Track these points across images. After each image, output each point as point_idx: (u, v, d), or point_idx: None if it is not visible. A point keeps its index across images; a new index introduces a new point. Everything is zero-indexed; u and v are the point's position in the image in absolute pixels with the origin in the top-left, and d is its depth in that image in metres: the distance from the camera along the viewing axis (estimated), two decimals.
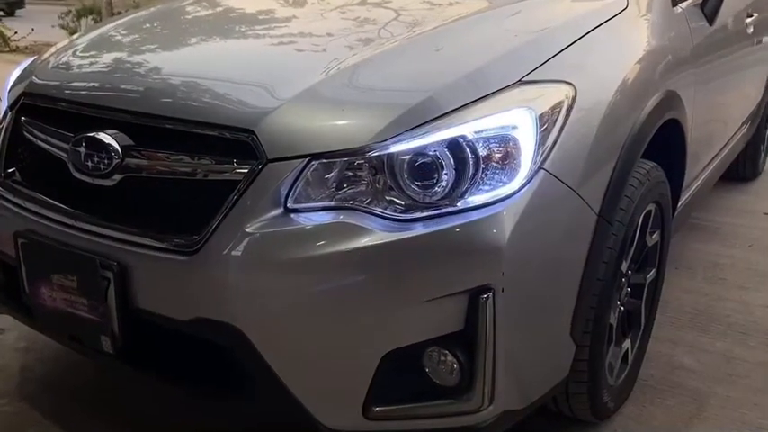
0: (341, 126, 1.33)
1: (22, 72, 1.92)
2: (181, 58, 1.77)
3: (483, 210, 1.28)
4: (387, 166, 1.30)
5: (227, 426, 1.75)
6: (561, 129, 1.38)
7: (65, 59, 1.83)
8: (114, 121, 1.49)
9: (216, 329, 1.33)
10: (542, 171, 1.34)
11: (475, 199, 1.29)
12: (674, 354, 2.17)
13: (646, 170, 1.70)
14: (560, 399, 1.67)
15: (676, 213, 2.13)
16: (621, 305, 1.79)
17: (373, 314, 1.28)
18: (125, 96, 1.54)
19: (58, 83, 1.71)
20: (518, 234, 1.29)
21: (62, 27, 9.21)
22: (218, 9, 2.20)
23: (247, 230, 1.28)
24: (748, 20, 2.77)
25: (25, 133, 1.71)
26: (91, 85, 1.65)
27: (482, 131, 1.30)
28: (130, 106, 1.49)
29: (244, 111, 1.38)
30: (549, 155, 1.35)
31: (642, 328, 1.95)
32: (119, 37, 1.96)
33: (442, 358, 1.34)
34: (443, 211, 1.28)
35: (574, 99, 1.43)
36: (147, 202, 1.44)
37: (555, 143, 1.36)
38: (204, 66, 1.64)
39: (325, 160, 1.30)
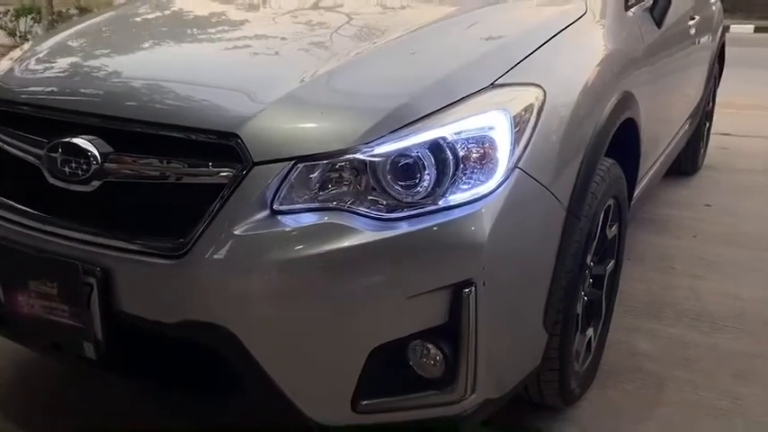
0: (325, 129, 1.37)
1: None
2: (154, 61, 1.76)
3: (463, 208, 1.34)
4: (369, 167, 1.34)
5: (214, 423, 1.78)
6: (533, 129, 1.45)
7: (34, 64, 1.80)
8: (91, 127, 1.48)
9: (204, 331, 1.34)
10: (517, 170, 1.40)
11: (455, 197, 1.35)
12: (632, 340, 2.28)
13: (606, 167, 1.79)
14: (532, 386, 1.75)
15: (631, 207, 2.24)
16: (585, 295, 1.88)
17: (361, 311, 1.32)
18: (103, 100, 1.53)
19: (28, 88, 1.69)
20: (497, 230, 1.35)
21: (0, 27, 8.87)
22: (180, 13, 2.20)
23: (235, 233, 1.30)
24: (691, 22, 2.92)
25: None
26: (66, 89, 1.64)
27: (461, 133, 1.36)
28: (109, 111, 1.48)
29: (227, 115, 1.39)
30: (523, 154, 1.42)
31: (603, 316, 2.05)
32: (85, 41, 1.94)
33: (426, 351, 1.39)
34: (426, 209, 1.33)
35: (543, 101, 1.50)
36: (129, 206, 1.44)
37: (528, 143, 1.43)
38: (180, 70, 1.65)
39: (310, 162, 1.33)
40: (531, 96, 1.49)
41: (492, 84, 1.48)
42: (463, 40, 1.71)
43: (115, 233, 1.41)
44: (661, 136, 2.77)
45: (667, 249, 3.04)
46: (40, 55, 1.85)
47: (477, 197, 1.35)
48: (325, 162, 1.33)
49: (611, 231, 1.99)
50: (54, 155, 1.48)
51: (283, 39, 1.86)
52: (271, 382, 1.35)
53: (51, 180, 1.50)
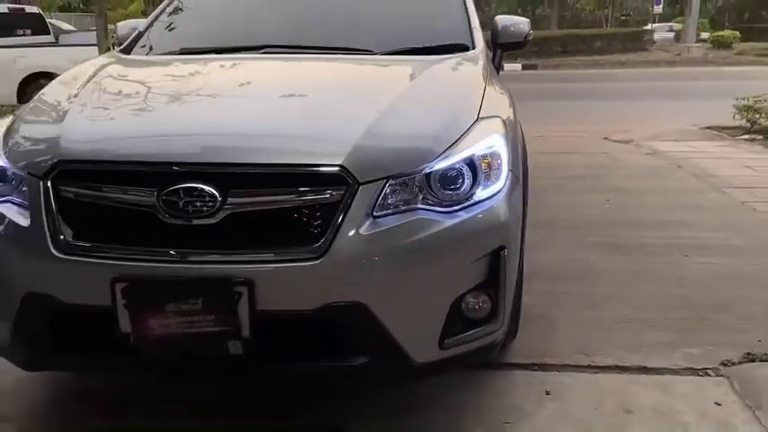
0: (400, 156, 1.95)
1: (24, 139, 2.09)
2: (236, 111, 2.18)
3: (490, 200, 2.01)
4: (430, 178, 1.96)
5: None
6: (507, 143, 2.18)
7: (102, 120, 2.08)
8: (204, 173, 1.85)
9: (342, 308, 1.83)
10: (509, 172, 2.13)
11: (481, 194, 2.01)
12: None
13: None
14: None
15: None
16: None
17: (446, 274, 1.93)
18: (215, 151, 1.92)
19: (115, 146, 1.98)
20: (509, 212, 2.06)
21: None
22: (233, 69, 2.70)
23: (361, 233, 1.83)
24: None
25: (71, 196, 1.91)
26: (160, 143, 1.98)
27: (482, 151, 2.05)
28: (224, 159, 1.88)
29: (329, 151, 1.90)
30: (509, 161, 2.15)
31: None
32: (143, 89, 2.26)
33: (471, 299, 2.03)
34: (468, 203, 1.99)
35: (504, 124, 2.25)
36: (253, 228, 1.85)
37: (508, 152, 2.16)
38: (271, 120, 2.10)
39: (395, 180, 1.90)
40: (500, 122, 2.23)
41: (478, 118, 2.19)
42: (442, 91, 2.38)
43: (252, 250, 1.83)
44: None
45: None
46: (101, 110, 2.20)
47: (496, 192, 2.04)
48: (404, 178, 1.92)
49: None
50: (173, 198, 1.83)
51: (326, 94, 2.37)
52: (390, 338, 1.88)
53: (169, 219, 1.84)
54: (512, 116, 2.40)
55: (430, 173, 1.95)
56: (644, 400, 2.36)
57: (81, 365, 2.12)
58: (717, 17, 44.78)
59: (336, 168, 1.86)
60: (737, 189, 5.33)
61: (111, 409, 2.36)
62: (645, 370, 2.56)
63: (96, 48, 9.38)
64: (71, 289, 1.88)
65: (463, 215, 1.96)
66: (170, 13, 3.32)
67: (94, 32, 11.51)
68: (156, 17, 3.30)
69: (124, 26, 3.45)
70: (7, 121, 2.34)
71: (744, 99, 8.08)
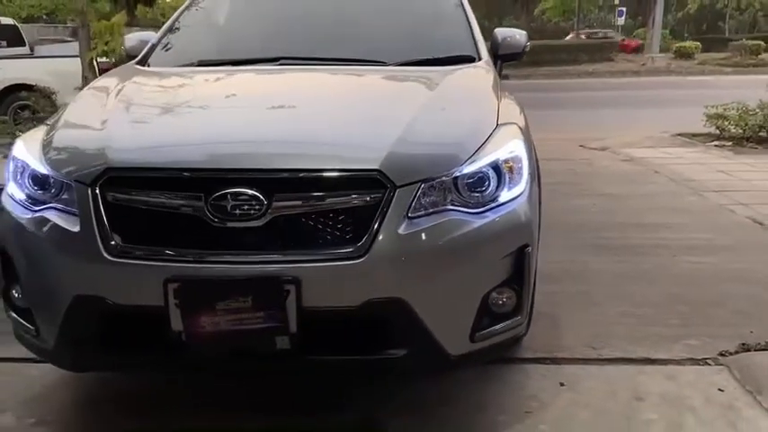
0: (432, 161, 2.08)
1: (66, 148, 2.17)
2: (274, 119, 2.31)
3: (514, 201, 2.15)
4: (458, 180, 2.09)
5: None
6: (527, 148, 2.33)
7: (143, 129, 2.18)
8: (249, 179, 1.95)
9: (384, 304, 1.95)
10: (528, 174, 2.27)
11: (504, 196, 2.15)
12: None
13: None
14: None
15: None
16: None
17: (479, 271, 2.07)
18: (254, 157, 2.03)
19: (162, 154, 2.08)
20: (530, 212, 2.20)
21: None
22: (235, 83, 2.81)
23: (399, 233, 1.95)
24: None
25: (119, 202, 2.00)
26: (207, 150, 2.09)
27: (505, 155, 2.19)
28: (269, 165, 1.99)
29: (366, 157, 2.02)
30: (529, 164, 2.29)
31: None
32: (177, 99, 2.43)
33: (499, 294, 2.16)
34: (495, 204, 2.12)
35: (521, 130, 2.40)
36: (300, 229, 1.96)
37: (529, 157, 2.31)
38: (304, 126, 2.22)
39: (428, 183, 2.03)
40: (518, 129, 2.38)
41: (497, 125, 2.33)
42: (461, 100, 2.52)
43: (298, 250, 1.94)
44: None
45: None
46: (146, 120, 2.34)
47: (518, 194, 2.18)
48: (435, 182, 2.05)
49: None
50: (220, 203, 1.93)
51: (354, 103, 2.50)
52: (427, 331, 2.00)
53: (217, 223, 1.94)
54: (525, 123, 2.55)
55: (459, 176, 2.08)
56: (653, 388, 2.51)
57: (128, 364, 2.20)
58: (676, 28, 46.15)
59: (375, 173, 1.98)
60: (714, 193, 5.58)
61: (146, 409, 2.43)
62: (650, 361, 2.72)
63: (72, 59, 9.29)
64: (122, 290, 1.97)
65: (491, 216, 2.09)
66: (181, 27, 3.41)
67: (70, 44, 11.47)
68: (168, 31, 3.38)
69: (132, 38, 3.53)
70: (38, 132, 2.41)
71: (713, 107, 8.42)
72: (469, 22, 3.36)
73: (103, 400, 2.50)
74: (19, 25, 12.56)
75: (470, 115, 2.38)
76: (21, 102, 9.58)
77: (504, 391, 2.53)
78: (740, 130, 8.22)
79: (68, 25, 23.68)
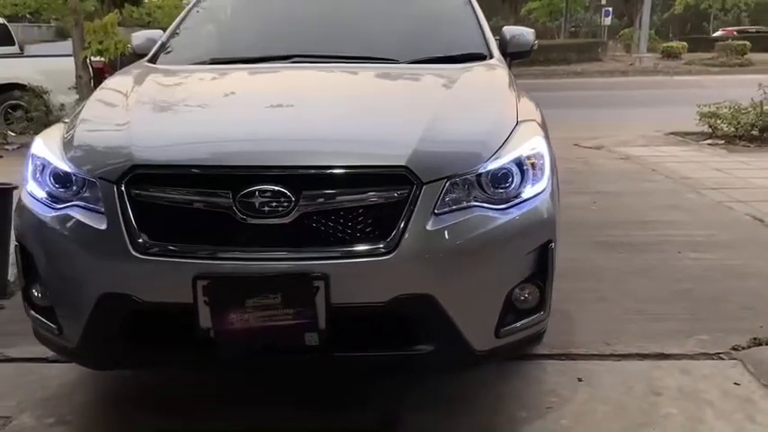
0: (457, 157, 2.09)
1: (89, 146, 2.15)
2: (298, 117, 2.30)
3: (537, 198, 2.16)
4: (482, 177, 2.10)
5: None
6: (547, 144, 2.34)
7: (167, 127, 2.19)
8: (276, 176, 1.95)
9: (412, 300, 1.95)
10: (549, 170, 2.28)
11: (527, 192, 2.17)
12: None
13: None
14: None
15: None
16: None
17: (504, 267, 2.08)
18: (282, 155, 2.03)
19: (188, 151, 2.08)
20: (553, 208, 2.21)
21: None
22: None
23: (427, 229, 1.95)
24: None
25: (145, 199, 1.99)
26: (234, 147, 2.09)
27: (528, 152, 2.20)
28: (298, 162, 1.99)
29: (392, 154, 2.03)
30: (551, 161, 2.31)
31: None
32: (197, 97, 2.45)
33: (523, 290, 2.18)
34: (518, 201, 2.14)
35: (540, 126, 2.42)
36: (328, 226, 1.96)
37: (550, 154, 2.33)
38: (330, 123, 2.21)
39: (453, 179, 2.04)
40: (537, 126, 2.39)
41: (517, 122, 2.34)
42: (480, 97, 2.53)
43: (326, 247, 1.94)
44: None
45: None
46: (171, 117, 2.36)
47: (541, 190, 2.19)
48: (460, 178, 2.05)
49: None
50: (249, 200, 1.93)
51: (376, 100, 2.52)
52: (455, 327, 2.01)
53: (245, 219, 1.93)
54: (542, 119, 2.56)
55: (483, 173, 2.09)
56: (669, 382, 2.54)
57: (155, 362, 2.19)
58: (661, 28, 46.50)
59: (401, 170, 1.99)
60: (711, 190, 5.64)
61: (166, 407, 2.42)
62: (664, 356, 2.74)
63: (64, 58, 9.19)
64: (150, 288, 1.96)
65: (515, 212, 2.10)
66: (191, 25, 3.39)
67: (60, 43, 11.37)
68: (177, 28, 3.37)
69: (140, 36, 3.51)
70: (56, 130, 2.40)
71: (706, 106, 8.50)
72: (479, 20, 3.38)
73: (123, 399, 2.49)
74: (8, 24, 12.40)
75: (491, 112, 2.39)
76: (12, 101, 9.47)
77: (522, 386, 2.55)
78: (732, 129, 8.31)
79: (52, 25, 23.45)
